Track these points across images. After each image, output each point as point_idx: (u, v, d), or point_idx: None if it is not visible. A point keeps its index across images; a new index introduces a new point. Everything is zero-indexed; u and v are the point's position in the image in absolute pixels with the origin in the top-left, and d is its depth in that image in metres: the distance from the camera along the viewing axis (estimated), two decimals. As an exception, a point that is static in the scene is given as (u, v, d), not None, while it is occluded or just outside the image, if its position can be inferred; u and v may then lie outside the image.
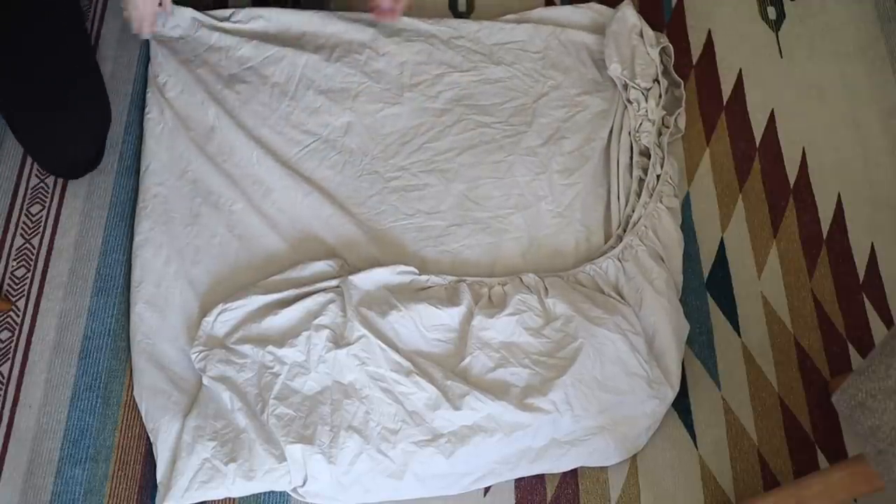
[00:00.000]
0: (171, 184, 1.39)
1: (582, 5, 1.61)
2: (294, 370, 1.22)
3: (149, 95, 1.47)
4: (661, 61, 1.53)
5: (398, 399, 1.20)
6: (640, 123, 1.46)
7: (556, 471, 1.22)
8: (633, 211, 1.38)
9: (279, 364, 1.22)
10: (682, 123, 1.51)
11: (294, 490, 1.19)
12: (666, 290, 1.30)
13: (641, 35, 1.52)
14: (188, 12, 1.51)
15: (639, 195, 1.40)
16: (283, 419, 1.18)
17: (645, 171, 1.42)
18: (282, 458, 1.17)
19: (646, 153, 1.44)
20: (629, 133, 1.46)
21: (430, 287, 1.30)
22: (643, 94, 1.47)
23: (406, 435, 1.18)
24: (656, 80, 1.49)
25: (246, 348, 1.23)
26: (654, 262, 1.33)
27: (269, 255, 1.35)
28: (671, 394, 1.24)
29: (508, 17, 1.60)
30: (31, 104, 1.30)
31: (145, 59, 1.53)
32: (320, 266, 1.31)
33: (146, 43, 1.54)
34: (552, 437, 1.20)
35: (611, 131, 1.48)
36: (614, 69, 1.48)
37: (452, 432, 1.19)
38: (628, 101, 1.48)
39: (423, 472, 1.18)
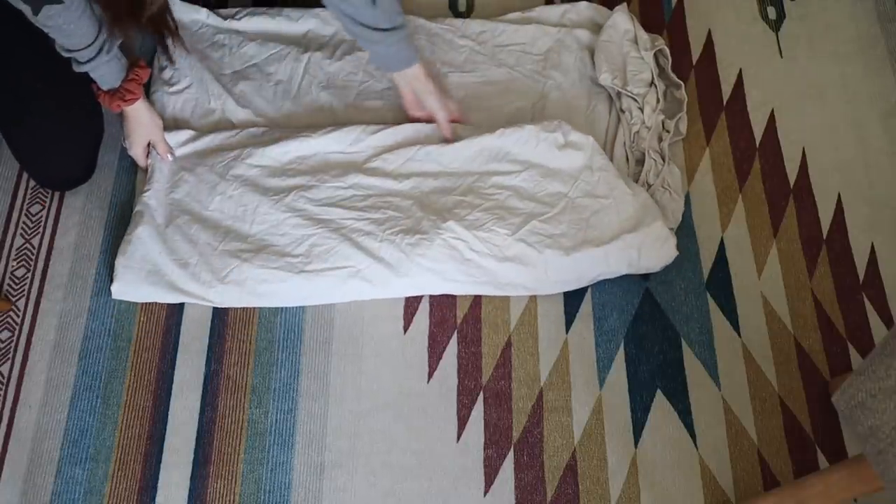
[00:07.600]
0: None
1: (581, 4, 1.60)
2: None
3: (153, 92, 1.47)
4: (658, 63, 1.52)
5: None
6: (638, 131, 1.45)
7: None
8: None
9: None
10: (683, 127, 1.48)
11: None
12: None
13: (635, 40, 1.51)
14: (192, 9, 1.51)
15: None
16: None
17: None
18: None
19: (642, 161, 1.43)
20: (623, 143, 1.45)
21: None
22: (636, 100, 1.46)
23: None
24: (652, 84, 1.48)
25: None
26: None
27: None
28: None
29: (509, 15, 1.59)
30: (22, 120, 1.30)
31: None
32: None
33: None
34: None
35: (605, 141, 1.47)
36: (605, 78, 1.47)
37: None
38: (621, 110, 1.47)
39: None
